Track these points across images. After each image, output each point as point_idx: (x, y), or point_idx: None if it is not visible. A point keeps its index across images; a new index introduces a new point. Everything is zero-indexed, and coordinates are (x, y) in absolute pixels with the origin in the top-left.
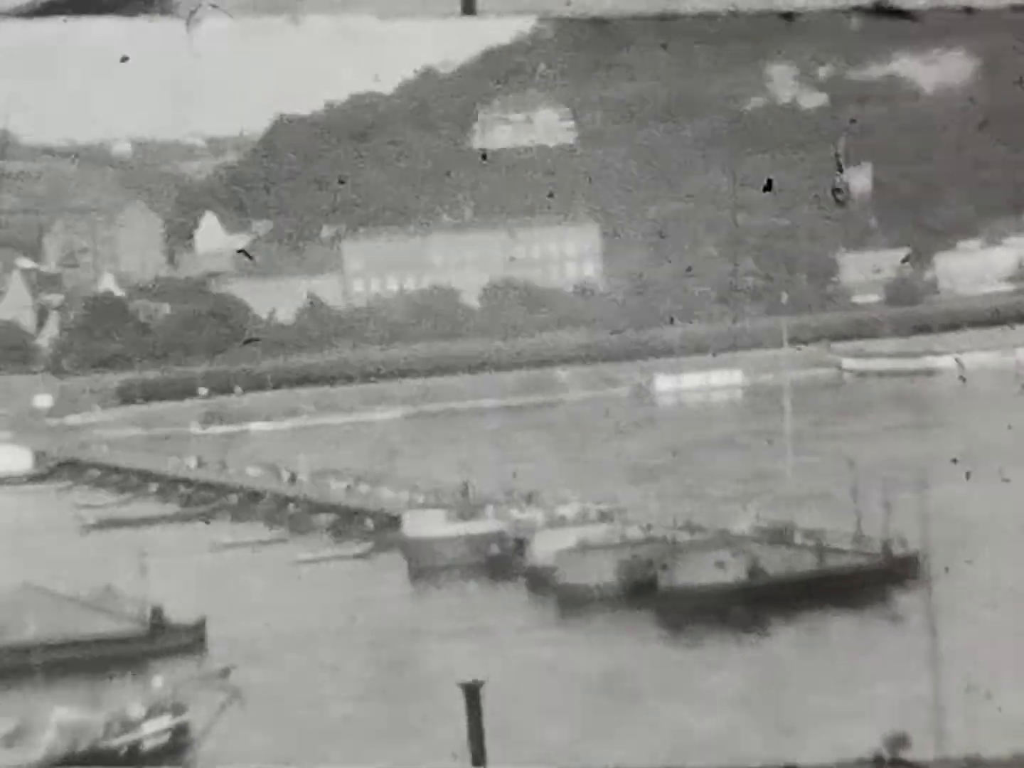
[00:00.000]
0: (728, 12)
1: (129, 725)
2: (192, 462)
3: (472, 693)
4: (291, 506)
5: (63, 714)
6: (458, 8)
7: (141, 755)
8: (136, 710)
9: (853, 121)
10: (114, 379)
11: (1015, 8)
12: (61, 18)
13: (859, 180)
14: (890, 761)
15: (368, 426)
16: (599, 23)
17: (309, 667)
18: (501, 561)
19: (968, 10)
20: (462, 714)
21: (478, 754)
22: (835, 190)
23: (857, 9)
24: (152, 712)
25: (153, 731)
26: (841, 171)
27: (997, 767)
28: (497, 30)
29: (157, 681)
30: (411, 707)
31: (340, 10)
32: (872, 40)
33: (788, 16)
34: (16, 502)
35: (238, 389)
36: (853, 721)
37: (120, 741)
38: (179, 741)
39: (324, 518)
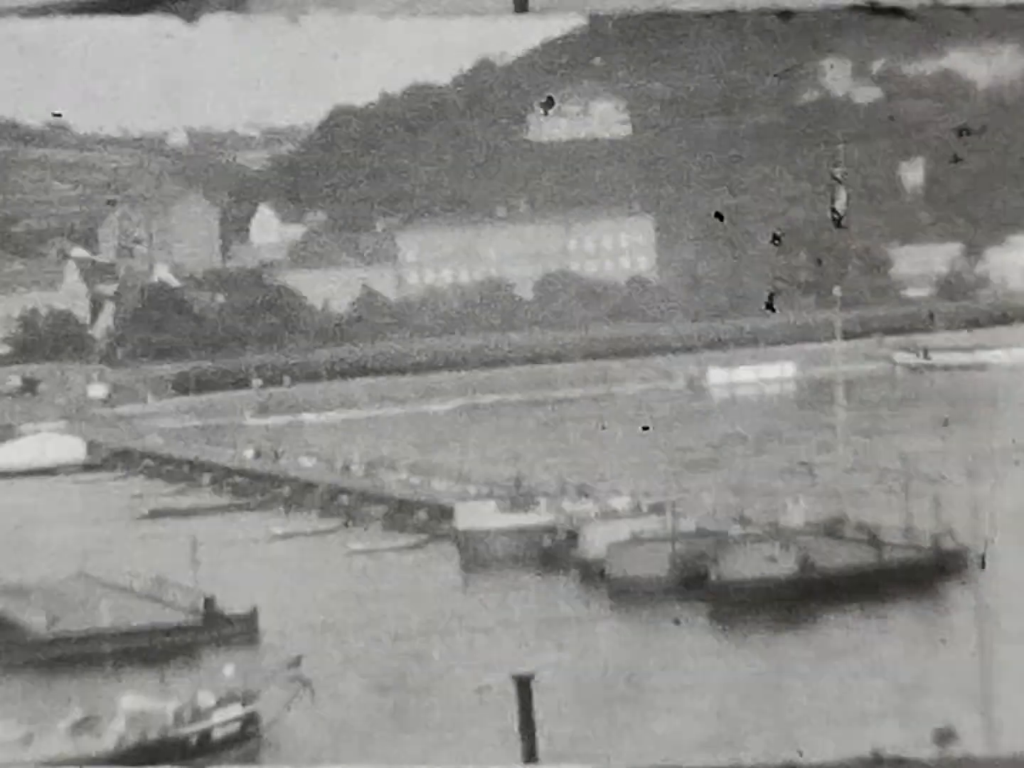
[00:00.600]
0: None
1: (199, 714)
2: (249, 453)
3: (523, 685)
4: (344, 497)
5: (131, 702)
6: (511, 5)
7: (212, 744)
8: (206, 699)
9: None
10: (168, 369)
11: None
12: (116, 13)
13: (912, 174)
14: (889, 760)
15: (421, 417)
16: (655, 16)
17: (360, 658)
18: (553, 553)
19: (965, 9)
20: (513, 706)
21: (528, 747)
22: (832, 209)
23: (855, 8)
24: (222, 701)
25: (223, 720)
26: (837, 183)
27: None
28: (553, 23)
29: (228, 670)
30: (462, 699)
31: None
32: (926, 35)
33: (785, 14)
34: (69, 492)
35: (287, 380)
36: (903, 715)
37: (190, 730)
38: (248, 730)
39: (377, 509)
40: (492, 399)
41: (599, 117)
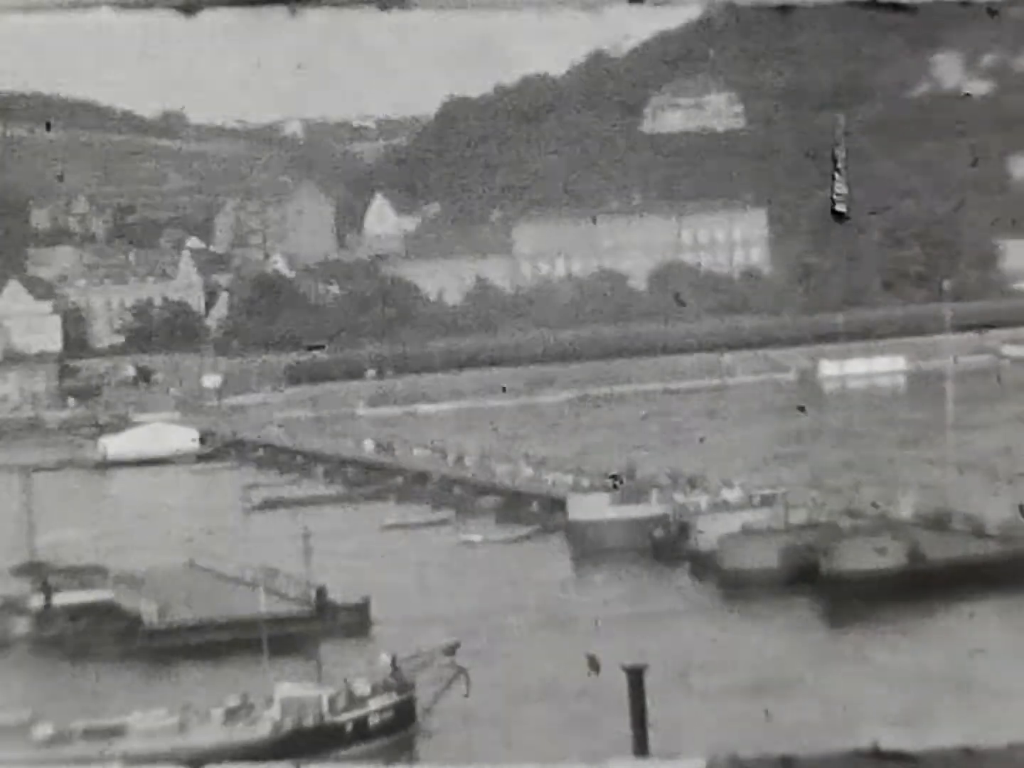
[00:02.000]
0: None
1: (355, 701)
2: (370, 444)
3: (635, 677)
4: (457, 488)
5: (286, 690)
6: None
7: (367, 731)
8: (361, 687)
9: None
10: (282, 360)
11: None
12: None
13: (1021, 168)
14: (888, 753)
15: (534, 409)
16: (769, 9)
17: (471, 649)
18: (664, 545)
19: (964, 3)
20: (625, 698)
21: (640, 737)
22: (833, 202)
23: (852, 3)
24: (377, 689)
25: (379, 707)
26: (838, 175)
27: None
28: (668, 15)
29: (383, 657)
30: (574, 691)
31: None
32: None
33: (784, 9)
34: (183, 481)
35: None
36: (1008, 707)
37: (346, 717)
38: (404, 717)
39: (489, 500)
40: (604, 391)
41: (713, 109)
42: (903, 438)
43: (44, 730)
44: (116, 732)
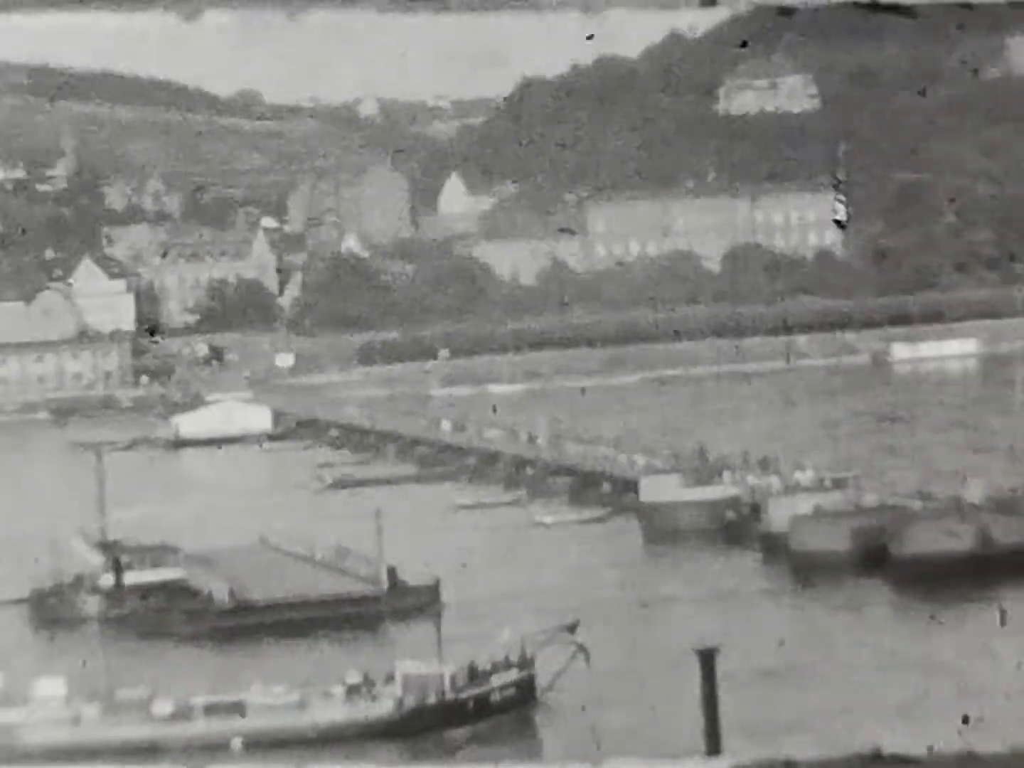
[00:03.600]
0: None
1: (476, 678)
2: (447, 426)
3: (707, 659)
4: (529, 469)
5: (408, 667)
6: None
7: (489, 707)
8: (483, 663)
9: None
10: (355, 340)
11: None
12: None
13: None
14: (889, 757)
15: (607, 390)
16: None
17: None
18: (736, 527)
19: (967, 5)
20: (696, 679)
21: (711, 718)
22: (836, 212)
23: (857, 4)
24: (498, 666)
25: (500, 684)
26: (838, 186)
27: None
28: None
29: (504, 634)
30: (645, 672)
31: None
32: None
33: (786, 12)
34: (255, 460)
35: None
36: None
37: (468, 694)
38: (524, 694)
39: (562, 481)
40: (678, 372)
41: (788, 91)
42: (974, 421)
43: (164, 706)
44: (236, 708)
